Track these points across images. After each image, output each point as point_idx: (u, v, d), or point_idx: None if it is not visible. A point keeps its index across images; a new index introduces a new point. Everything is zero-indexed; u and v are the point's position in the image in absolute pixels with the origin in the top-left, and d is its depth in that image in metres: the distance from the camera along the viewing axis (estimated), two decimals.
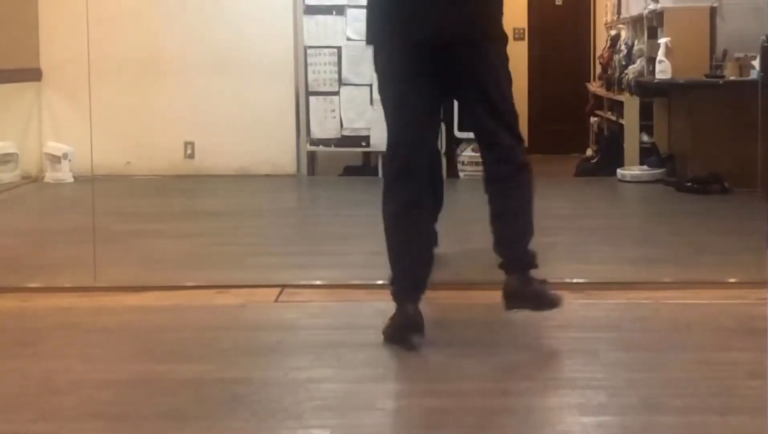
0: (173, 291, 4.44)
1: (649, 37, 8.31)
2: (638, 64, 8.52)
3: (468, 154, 8.20)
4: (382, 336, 3.65)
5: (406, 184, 3.64)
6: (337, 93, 8.31)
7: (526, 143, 3.87)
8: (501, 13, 3.78)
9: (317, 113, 8.39)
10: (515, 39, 11.37)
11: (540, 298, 3.67)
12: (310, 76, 8.37)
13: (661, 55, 7.72)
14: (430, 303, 4.27)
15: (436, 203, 4.80)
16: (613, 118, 9.38)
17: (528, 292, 3.67)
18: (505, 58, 3.77)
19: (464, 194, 7.87)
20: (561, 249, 5.47)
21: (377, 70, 3.75)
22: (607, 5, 10.69)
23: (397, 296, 3.69)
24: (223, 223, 6.39)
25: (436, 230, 4.84)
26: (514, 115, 3.77)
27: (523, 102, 11.36)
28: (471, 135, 8.19)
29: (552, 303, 3.67)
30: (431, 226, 3.95)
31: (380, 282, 4.53)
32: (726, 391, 3.13)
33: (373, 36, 3.74)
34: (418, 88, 3.63)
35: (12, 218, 6.77)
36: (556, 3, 11.65)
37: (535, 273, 3.72)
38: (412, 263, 3.69)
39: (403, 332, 3.59)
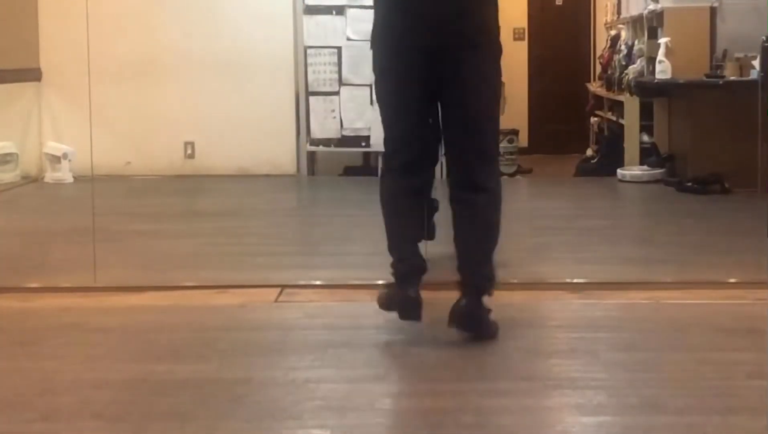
0: (173, 291, 4.44)
1: (649, 37, 8.31)
2: (638, 64, 8.52)
3: None
4: (381, 313, 3.74)
5: (408, 175, 3.71)
6: (337, 93, 8.31)
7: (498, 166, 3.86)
8: (497, 24, 3.77)
9: (317, 113, 8.38)
10: (515, 39, 11.37)
11: (480, 326, 3.69)
12: (310, 76, 8.36)
13: (661, 55, 7.71)
14: (430, 303, 4.28)
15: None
16: (613, 118, 9.38)
17: (474, 316, 3.67)
18: (497, 71, 3.73)
19: None
20: (561, 249, 5.47)
21: (374, 70, 3.79)
22: (607, 5, 10.69)
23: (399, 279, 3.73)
24: (223, 223, 6.38)
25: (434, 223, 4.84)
26: (492, 133, 3.74)
27: (523, 102, 11.36)
28: None
29: (490, 334, 3.70)
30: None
31: (380, 282, 4.53)
32: (726, 391, 3.13)
33: (372, 40, 3.77)
34: (411, 91, 3.67)
35: (12, 218, 6.76)
36: (556, 3, 11.65)
37: (486, 300, 3.70)
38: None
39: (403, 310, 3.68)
